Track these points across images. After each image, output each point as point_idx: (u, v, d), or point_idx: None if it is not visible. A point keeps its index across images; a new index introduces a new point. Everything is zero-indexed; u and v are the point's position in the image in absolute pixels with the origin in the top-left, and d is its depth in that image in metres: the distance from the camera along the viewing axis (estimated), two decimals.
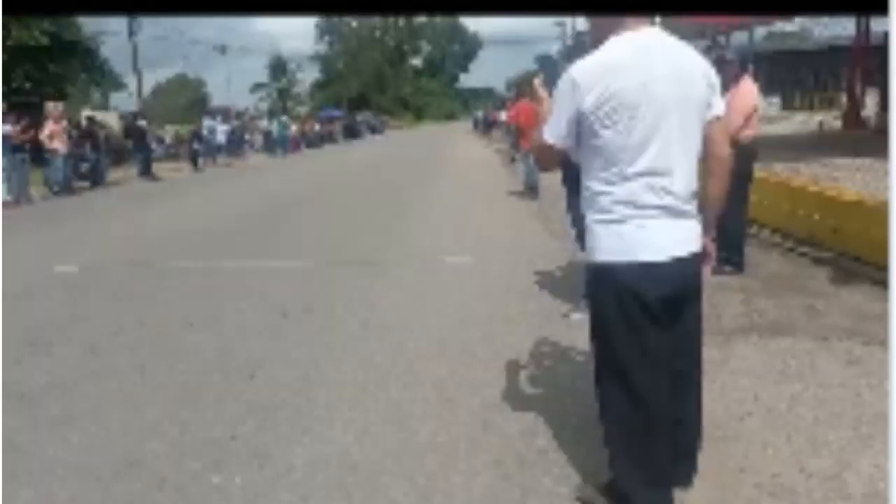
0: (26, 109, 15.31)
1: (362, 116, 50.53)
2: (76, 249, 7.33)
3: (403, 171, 16.30)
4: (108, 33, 28.07)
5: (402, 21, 75.25)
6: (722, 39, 16.47)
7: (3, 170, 11.92)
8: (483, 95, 79.58)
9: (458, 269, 5.65)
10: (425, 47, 78.78)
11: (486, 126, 32.14)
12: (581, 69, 1.88)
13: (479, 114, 37.88)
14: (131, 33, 27.82)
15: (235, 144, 24.21)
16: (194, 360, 3.71)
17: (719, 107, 2.00)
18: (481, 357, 3.58)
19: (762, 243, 5.84)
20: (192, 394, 3.25)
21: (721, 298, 4.31)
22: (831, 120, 17.37)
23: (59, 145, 13.19)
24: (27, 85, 22.69)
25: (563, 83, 1.92)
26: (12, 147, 12.19)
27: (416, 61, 78.31)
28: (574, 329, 3.80)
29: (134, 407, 3.12)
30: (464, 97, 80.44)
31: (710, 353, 3.25)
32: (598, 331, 2.09)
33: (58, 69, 24.28)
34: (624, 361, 2.00)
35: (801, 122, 18.79)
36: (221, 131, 22.54)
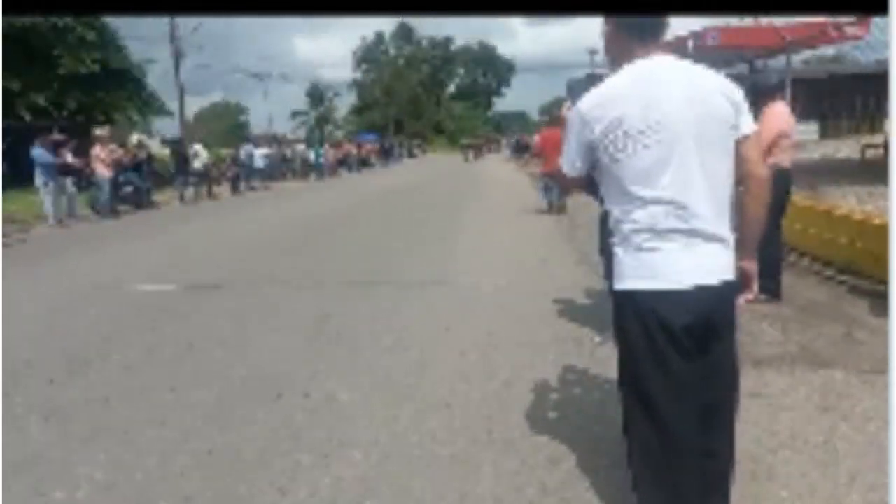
0: (75, 135, 15.92)
1: (397, 141, 51.43)
2: (116, 269, 7.52)
3: (434, 194, 16.40)
4: (155, 61, 28.93)
5: (436, 49, 76.41)
6: (760, 64, 16.27)
7: (51, 193, 12.37)
8: (516, 120, 79.90)
9: (487, 292, 5.62)
10: (460, 73, 79.71)
11: (519, 149, 32.44)
12: (587, 101, 1.92)
13: (514, 139, 37.99)
14: (177, 62, 28.87)
15: (273, 168, 24.68)
16: (224, 379, 3.75)
17: (748, 125, 1.97)
18: (507, 382, 3.54)
19: (800, 271, 5.69)
20: (221, 413, 3.28)
21: (757, 327, 4.20)
22: (875, 146, 16.88)
23: (105, 169, 13.65)
24: (77, 111, 23.65)
25: (572, 116, 1.95)
26: (62, 171, 12.70)
27: (451, 87, 79.21)
28: (603, 356, 3.73)
29: (163, 425, 3.16)
30: (497, 121, 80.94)
31: (744, 383, 3.15)
32: (624, 359, 2.05)
33: (106, 96, 25.26)
34: (650, 390, 1.95)
35: (840, 149, 18.35)
36: (259, 156, 23.02)
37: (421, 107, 69.59)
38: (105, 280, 6.78)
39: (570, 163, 1.99)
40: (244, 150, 22.24)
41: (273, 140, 28.84)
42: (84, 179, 13.55)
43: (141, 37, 43.04)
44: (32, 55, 22.05)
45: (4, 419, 3.28)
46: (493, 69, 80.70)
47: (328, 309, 5.28)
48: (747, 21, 11.90)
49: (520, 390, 3.40)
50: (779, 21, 11.53)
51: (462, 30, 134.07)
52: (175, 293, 6.15)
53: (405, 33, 75.04)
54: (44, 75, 22.49)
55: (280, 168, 25.31)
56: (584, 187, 2.19)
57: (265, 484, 2.59)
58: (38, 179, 12.42)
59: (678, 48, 11.01)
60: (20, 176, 13.13)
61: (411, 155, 49.31)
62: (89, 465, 2.79)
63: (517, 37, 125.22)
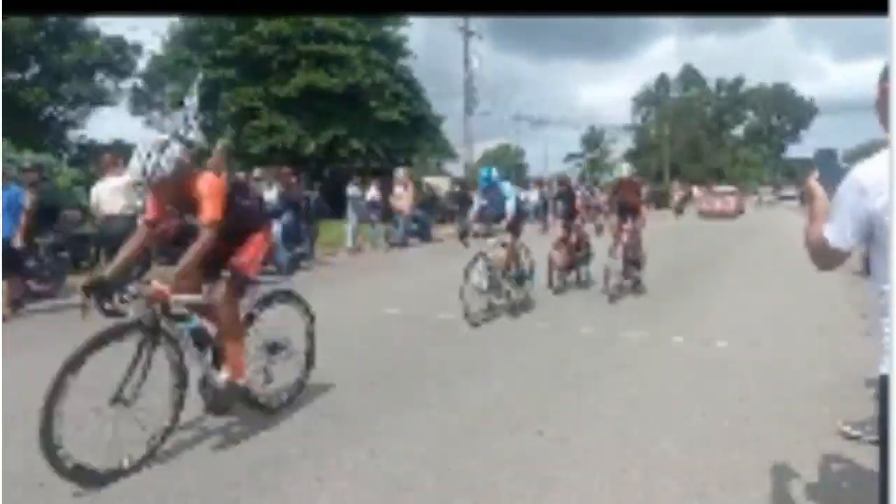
0: (379, 175, 18.64)
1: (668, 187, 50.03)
2: (397, 295, 8.62)
3: (704, 244, 15.50)
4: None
5: (724, 90, 71.83)
6: None
7: (353, 225, 14.73)
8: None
9: (747, 359, 5.29)
10: (748, 115, 73.60)
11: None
12: (867, 173, 1.80)
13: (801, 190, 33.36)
14: (467, 109, 32.29)
15: (542, 211, 25.62)
16: (468, 406, 4.17)
17: None
18: (748, 459, 3.33)
19: None
20: (464, 438, 3.67)
21: None
22: None
23: (404, 206, 15.78)
24: (384, 155, 27.60)
25: (847, 187, 1.85)
26: (371, 205, 15.09)
27: (738, 131, 73.53)
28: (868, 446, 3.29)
29: (416, 439, 3.65)
30: (791, 168, 72.38)
31: None
32: (886, 457, 1.87)
33: (406, 141, 29.07)
34: None
35: None
36: (531, 201, 24.16)
37: (701, 151, 65.82)
38: (391, 304, 7.84)
39: (841, 238, 1.88)
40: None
41: (538, 183, 30.02)
42: (383, 214, 15.83)
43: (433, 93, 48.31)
44: (356, 107, 26.48)
45: (296, 419, 4.05)
46: (788, 111, 73.08)
47: (573, 352, 5.47)
48: None
49: (757, 471, 3.19)
50: None
51: (756, 69, 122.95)
52: (453, 321, 6.87)
53: (690, 75, 72.16)
54: (362, 124, 26.80)
55: (547, 211, 26.10)
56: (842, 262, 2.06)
57: None
58: (349, 213, 14.92)
59: None
60: (338, 209, 15.83)
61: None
62: (352, 460, 3.36)
63: (824, 76, 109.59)
